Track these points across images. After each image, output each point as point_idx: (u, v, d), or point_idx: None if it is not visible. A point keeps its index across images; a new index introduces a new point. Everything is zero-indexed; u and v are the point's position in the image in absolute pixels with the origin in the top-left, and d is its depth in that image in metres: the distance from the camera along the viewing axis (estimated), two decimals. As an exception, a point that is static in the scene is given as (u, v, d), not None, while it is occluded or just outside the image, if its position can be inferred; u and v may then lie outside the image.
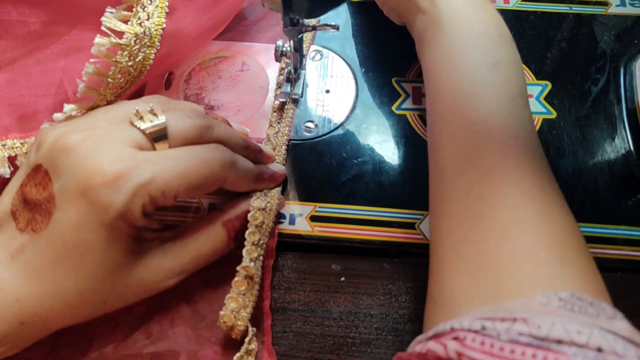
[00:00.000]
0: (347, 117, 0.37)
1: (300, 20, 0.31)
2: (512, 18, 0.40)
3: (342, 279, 0.33)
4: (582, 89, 0.37)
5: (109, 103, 0.30)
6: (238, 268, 0.29)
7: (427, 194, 0.34)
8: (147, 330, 0.30)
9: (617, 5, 0.41)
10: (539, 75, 0.38)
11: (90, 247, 0.25)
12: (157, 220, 0.29)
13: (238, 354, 0.29)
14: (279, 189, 0.33)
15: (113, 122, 0.27)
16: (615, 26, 0.40)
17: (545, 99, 0.37)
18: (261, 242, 0.30)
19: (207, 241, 0.29)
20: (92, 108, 0.29)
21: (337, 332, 0.31)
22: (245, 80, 0.38)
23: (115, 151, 0.25)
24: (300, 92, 0.37)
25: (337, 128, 0.37)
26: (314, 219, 0.33)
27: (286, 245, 0.33)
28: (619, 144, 0.36)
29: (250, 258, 0.29)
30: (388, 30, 0.40)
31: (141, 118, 0.26)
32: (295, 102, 0.37)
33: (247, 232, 0.30)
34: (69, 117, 0.28)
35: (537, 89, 0.37)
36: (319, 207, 0.34)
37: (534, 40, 0.39)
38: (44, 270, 0.25)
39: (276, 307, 0.32)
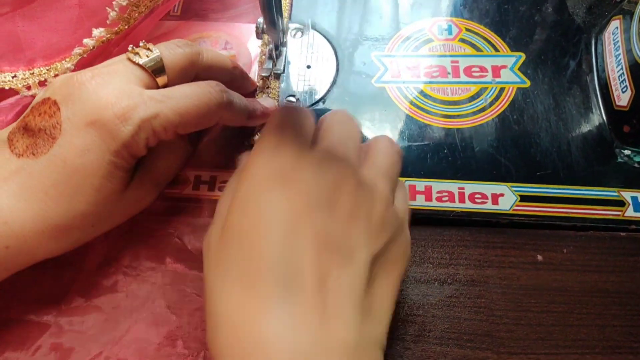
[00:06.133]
0: (328, 91, 0.38)
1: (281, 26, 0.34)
2: (487, -6, 0.42)
3: (325, 244, 0.34)
4: (555, 60, 0.39)
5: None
6: None
7: (404, 162, 0.35)
8: None
9: (588, -21, 0.42)
10: (513, 47, 0.39)
11: (90, 172, 0.27)
12: None
13: None
14: None
15: (113, 62, 0.29)
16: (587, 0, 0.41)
17: (519, 69, 0.38)
18: None
19: (168, 159, 0.32)
20: (117, 33, 0.34)
21: (320, 293, 0.32)
22: (229, 58, 0.39)
23: (123, 87, 0.27)
24: (282, 68, 0.38)
25: (318, 102, 0.38)
26: (296, 187, 0.34)
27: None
28: (591, 110, 0.37)
29: None
30: (368, 7, 0.41)
31: (137, 54, 0.29)
32: (278, 77, 0.38)
33: None
34: (99, 39, 0.34)
35: (511, 59, 0.39)
36: (302, 176, 0.35)
37: (507, 14, 0.41)
38: (37, 193, 0.26)
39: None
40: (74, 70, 0.34)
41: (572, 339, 0.31)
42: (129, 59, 0.28)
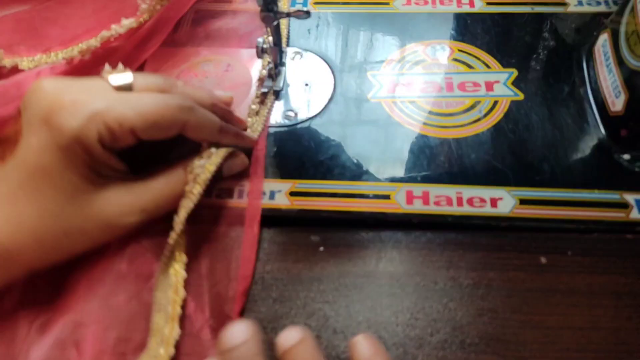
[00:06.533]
0: (325, 106, 0.39)
1: (275, 7, 0.34)
2: (477, 20, 0.43)
3: (321, 249, 0.33)
4: (547, 77, 0.39)
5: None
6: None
7: (401, 170, 0.35)
8: None
9: (575, 5, 0.44)
10: (505, 64, 0.40)
11: (49, 170, 0.26)
12: (121, 163, 0.30)
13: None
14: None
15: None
16: (575, 21, 0.42)
17: (512, 83, 0.39)
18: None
19: (167, 182, 0.31)
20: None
21: (316, 298, 0.31)
22: (230, 79, 0.41)
23: (79, 87, 0.27)
24: (281, 86, 0.39)
25: (316, 116, 0.38)
26: (293, 194, 0.34)
27: (266, 220, 0.34)
28: (587, 120, 0.37)
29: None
30: (363, 32, 0.43)
31: (111, 73, 0.29)
32: (276, 94, 0.39)
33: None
34: (129, 29, 0.36)
35: (504, 75, 0.39)
36: (298, 183, 0.35)
37: (499, 35, 0.42)
38: (8, 196, 0.26)
39: (256, 278, 0.32)
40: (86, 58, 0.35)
41: (584, 342, 0.29)
42: (102, 76, 0.29)
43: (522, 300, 0.30)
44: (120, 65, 0.30)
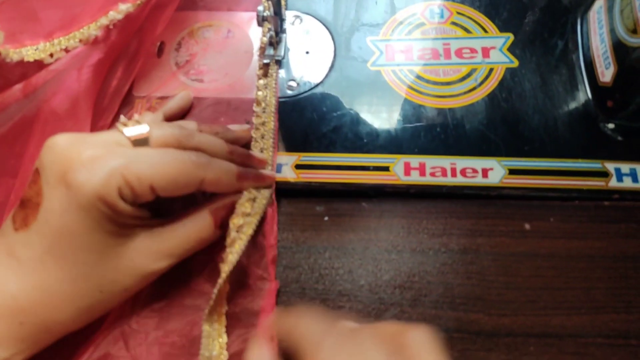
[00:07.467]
0: (327, 75, 0.40)
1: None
2: (477, -22, 0.43)
3: (326, 218, 0.36)
4: (542, 39, 0.40)
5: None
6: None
7: (399, 140, 0.37)
8: None
9: (575, -39, 0.43)
10: (502, 28, 0.41)
11: (73, 231, 0.26)
12: (145, 211, 0.29)
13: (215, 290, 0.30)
14: (270, 191, 0.35)
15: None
16: (574, -20, 0.43)
17: (508, 49, 0.40)
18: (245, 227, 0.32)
19: (193, 226, 0.30)
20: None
21: (322, 264, 0.34)
22: (231, 46, 0.41)
23: (94, 143, 0.27)
24: (282, 54, 0.40)
25: (317, 85, 0.40)
26: (298, 167, 0.37)
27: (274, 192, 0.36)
28: (577, 87, 0.39)
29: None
30: (362, -5, 0.43)
31: (126, 125, 0.29)
32: (278, 63, 0.40)
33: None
34: (126, 13, 0.35)
35: (500, 40, 0.40)
36: (303, 156, 0.37)
37: (497, -3, 0.42)
38: (35, 263, 0.26)
39: (267, 246, 0.35)
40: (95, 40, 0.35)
41: (560, 301, 0.33)
42: (117, 128, 0.29)
43: (506, 264, 0.34)
44: (135, 116, 0.29)
